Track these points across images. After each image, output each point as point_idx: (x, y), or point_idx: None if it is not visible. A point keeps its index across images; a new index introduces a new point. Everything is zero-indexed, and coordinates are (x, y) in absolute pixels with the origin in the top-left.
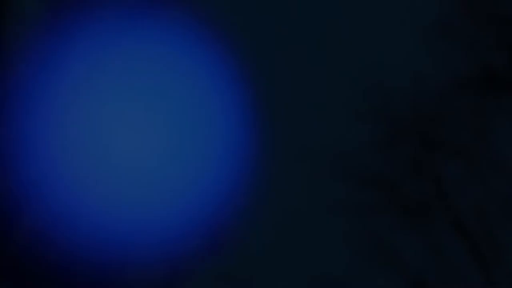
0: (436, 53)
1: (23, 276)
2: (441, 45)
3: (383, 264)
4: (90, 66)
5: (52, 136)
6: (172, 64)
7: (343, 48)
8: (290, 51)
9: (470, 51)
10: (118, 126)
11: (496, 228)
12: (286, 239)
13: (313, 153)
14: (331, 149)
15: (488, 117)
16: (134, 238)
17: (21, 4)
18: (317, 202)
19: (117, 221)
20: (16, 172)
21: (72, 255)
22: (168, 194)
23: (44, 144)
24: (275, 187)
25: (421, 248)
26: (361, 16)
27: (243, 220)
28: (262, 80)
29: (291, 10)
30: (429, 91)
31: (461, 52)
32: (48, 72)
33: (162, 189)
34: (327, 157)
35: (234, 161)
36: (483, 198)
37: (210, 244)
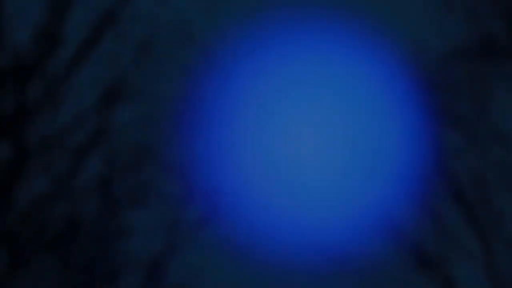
0: (436, 21)
1: (20, 244)
2: (441, 14)
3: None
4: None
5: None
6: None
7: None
8: None
9: (470, 19)
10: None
11: (495, 197)
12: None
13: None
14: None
15: (488, 85)
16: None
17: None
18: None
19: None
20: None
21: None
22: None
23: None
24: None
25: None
26: None
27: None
28: None
29: None
30: (429, 60)
31: (461, 20)
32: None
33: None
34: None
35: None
36: (482, 166)
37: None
